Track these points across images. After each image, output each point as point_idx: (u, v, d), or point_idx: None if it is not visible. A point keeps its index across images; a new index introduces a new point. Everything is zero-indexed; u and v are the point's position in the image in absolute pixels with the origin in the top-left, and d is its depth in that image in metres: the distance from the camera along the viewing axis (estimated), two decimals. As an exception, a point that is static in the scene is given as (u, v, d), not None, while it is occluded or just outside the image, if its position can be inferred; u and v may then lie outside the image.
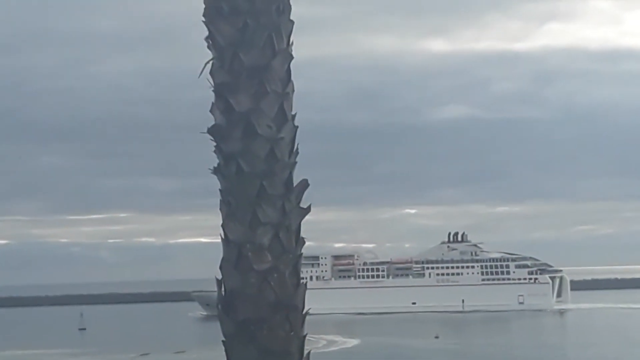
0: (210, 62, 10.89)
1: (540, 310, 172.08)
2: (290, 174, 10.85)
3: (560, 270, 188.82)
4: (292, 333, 10.73)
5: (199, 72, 10.95)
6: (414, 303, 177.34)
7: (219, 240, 10.86)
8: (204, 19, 10.88)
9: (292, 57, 10.93)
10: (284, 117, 10.82)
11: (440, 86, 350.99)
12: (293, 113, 10.93)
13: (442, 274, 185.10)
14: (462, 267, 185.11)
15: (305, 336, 10.89)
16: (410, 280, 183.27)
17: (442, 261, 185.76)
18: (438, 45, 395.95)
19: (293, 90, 10.95)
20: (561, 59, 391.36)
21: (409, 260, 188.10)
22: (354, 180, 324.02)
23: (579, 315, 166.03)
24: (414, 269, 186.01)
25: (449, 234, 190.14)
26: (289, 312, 10.73)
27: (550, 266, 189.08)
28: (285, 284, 10.72)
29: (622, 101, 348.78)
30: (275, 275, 10.67)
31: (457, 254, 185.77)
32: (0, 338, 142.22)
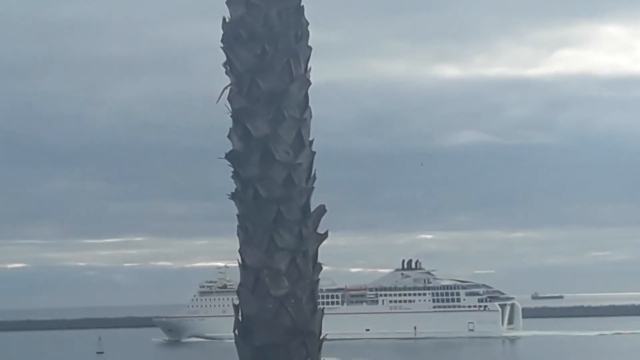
0: (228, 88, 10.90)
1: (489, 338, 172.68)
2: (308, 199, 10.84)
3: (512, 298, 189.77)
4: (308, 359, 10.71)
5: (216, 97, 10.94)
6: (367, 329, 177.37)
7: (236, 265, 10.84)
8: (222, 45, 10.87)
9: (309, 83, 10.94)
10: (302, 143, 10.83)
11: (453, 112, 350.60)
12: (310, 139, 10.95)
13: (395, 301, 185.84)
14: (414, 295, 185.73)
15: (321, 362, 10.88)
16: (364, 307, 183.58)
17: (395, 288, 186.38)
18: (449, 70, 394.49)
19: (311, 116, 10.94)
20: (573, 85, 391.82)
21: (363, 287, 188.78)
22: (367, 205, 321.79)
23: (530, 342, 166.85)
24: (368, 296, 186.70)
25: (403, 261, 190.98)
26: (306, 338, 10.72)
27: (502, 294, 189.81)
28: (302, 309, 10.71)
29: (635, 127, 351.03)
30: (292, 300, 10.65)
31: (411, 281, 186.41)
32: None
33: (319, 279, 10.92)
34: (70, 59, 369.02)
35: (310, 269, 10.80)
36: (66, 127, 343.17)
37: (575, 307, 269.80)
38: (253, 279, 10.68)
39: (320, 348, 10.84)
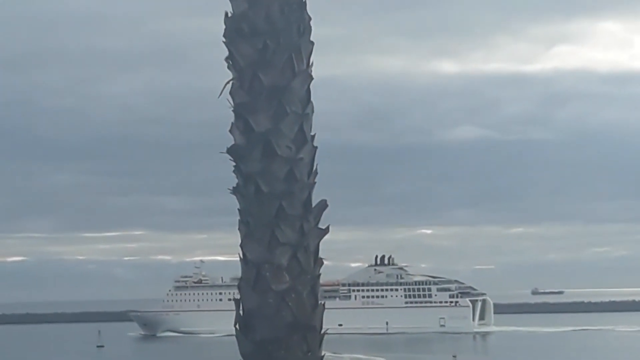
0: (230, 83, 10.89)
1: (460, 333, 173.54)
2: (309, 194, 10.85)
3: (483, 294, 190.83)
4: (309, 354, 10.73)
5: (217, 92, 10.94)
6: (340, 325, 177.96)
7: (237, 258, 10.85)
8: (224, 40, 10.87)
9: (312, 78, 10.95)
10: (304, 138, 10.84)
11: (450, 107, 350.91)
12: (312, 134, 10.96)
13: (368, 297, 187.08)
14: (387, 290, 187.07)
15: (322, 357, 10.90)
16: (337, 303, 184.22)
17: (368, 284, 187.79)
18: (447, 66, 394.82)
19: (313, 111, 10.96)
20: (571, 81, 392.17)
21: (337, 283, 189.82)
22: (366, 200, 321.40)
23: (501, 337, 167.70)
24: (341, 292, 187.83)
25: (376, 256, 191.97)
26: (307, 333, 10.73)
27: (474, 289, 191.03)
28: (303, 304, 10.72)
29: (633, 123, 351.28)
30: (293, 295, 10.66)
31: (383, 276, 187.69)
32: (18, 356, 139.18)
33: (320, 274, 10.93)
34: (69, 52, 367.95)
35: (311, 263, 10.81)
36: (65, 121, 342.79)
37: (575, 303, 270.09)
38: (254, 273, 10.69)
39: (321, 343, 10.86)
